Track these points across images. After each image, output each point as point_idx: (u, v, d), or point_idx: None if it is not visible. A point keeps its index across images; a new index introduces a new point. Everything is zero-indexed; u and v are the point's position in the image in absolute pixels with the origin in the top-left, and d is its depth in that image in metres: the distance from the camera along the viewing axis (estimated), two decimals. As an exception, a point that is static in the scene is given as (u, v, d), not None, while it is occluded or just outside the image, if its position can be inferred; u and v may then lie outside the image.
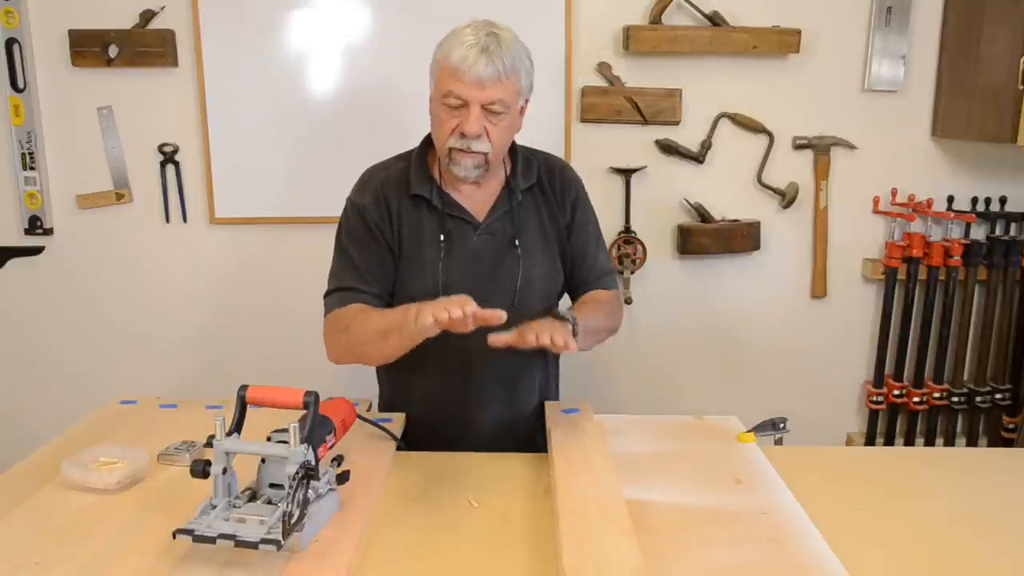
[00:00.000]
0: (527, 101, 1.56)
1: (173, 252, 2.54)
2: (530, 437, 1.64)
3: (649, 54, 2.41)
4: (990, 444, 2.59)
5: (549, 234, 1.64)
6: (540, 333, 1.35)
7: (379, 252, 1.58)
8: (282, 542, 1.05)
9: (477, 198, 1.60)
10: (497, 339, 1.38)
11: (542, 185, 1.65)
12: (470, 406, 1.64)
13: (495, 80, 1.43)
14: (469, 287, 1.55)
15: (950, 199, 2.52)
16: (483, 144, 1.48)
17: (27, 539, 1.16)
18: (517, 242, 1.59)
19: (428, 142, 1.63)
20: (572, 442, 1.44)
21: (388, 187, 1.60)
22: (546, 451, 1.46)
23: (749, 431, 1.52)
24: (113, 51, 2.39)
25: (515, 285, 1.58)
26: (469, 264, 1.58)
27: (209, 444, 1.23)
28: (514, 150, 1.63)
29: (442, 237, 1.57)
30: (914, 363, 2.58)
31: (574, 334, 1.43)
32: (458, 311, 1.28)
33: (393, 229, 1.58)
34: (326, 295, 1.59)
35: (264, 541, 1.05)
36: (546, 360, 1.73)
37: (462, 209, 1.59)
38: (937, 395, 2.55)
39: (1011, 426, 2.56)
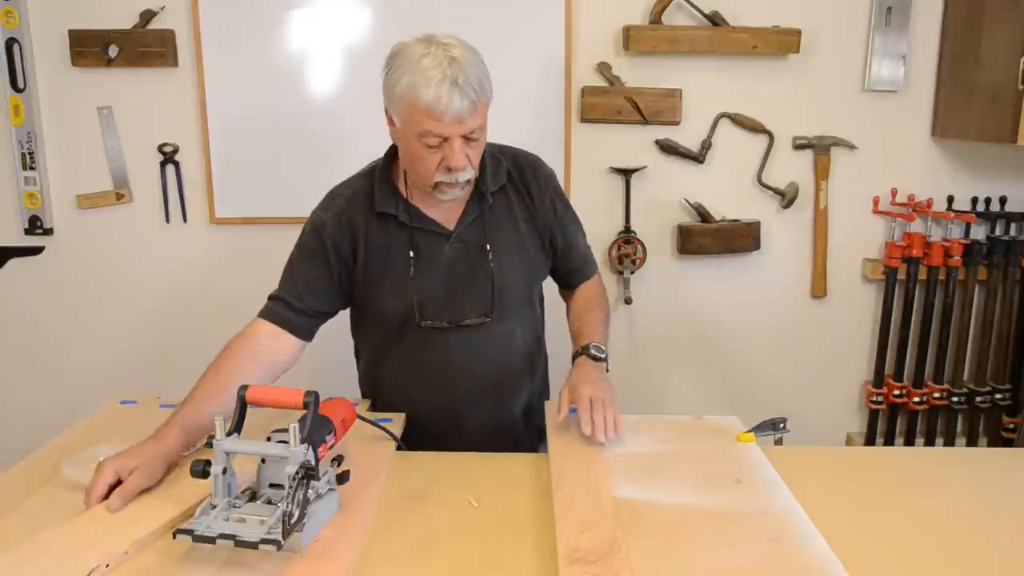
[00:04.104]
0: None
1: (173, 252, 2.54)
2: (519, 440, 1.63)
3: (649, 54, 2.41)
4: (990, 444, 2.59)
5: (525, 232, 1.61)
6: (595, 426, 1.41)
7: (322, 273, 1.55)
8: (282, 542, 1.05)
9: (446, 207, 1.56)
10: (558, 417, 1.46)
11: (514, 183, 1.61)
12: (456, 415, 1.63)
13: (472, 110, 1.39)
14: (443, 299, 1.55)
15: (950, 199, 2.52)
16: (468, 172, 1.46)
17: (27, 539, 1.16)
18: (489, 248, 1.56)
19: (391, 155, 1.59)
20: (564, 439, 1.46)
21: (354, 205, 1.56)
22: (544, 451, 1.46)
23: (749, 431, 1.52)
24: (113, 51, 2.39)
25: (490, 293, 1.57)
26: (442, 276, 1.56)
27: (209, 444, 1.23)
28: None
29: (411, 253, 1.54)
30: (914, 363, 2.58)
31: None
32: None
33: (356, 248, 1.55)
34: (269, 297, 1.56)
35: (264, 541, 1.05)
36: (534, 367, 1.72)
37: (431, 221, 1.56)
38: (937, 395, 2.55)
39: (1011, 426, 2.56)
